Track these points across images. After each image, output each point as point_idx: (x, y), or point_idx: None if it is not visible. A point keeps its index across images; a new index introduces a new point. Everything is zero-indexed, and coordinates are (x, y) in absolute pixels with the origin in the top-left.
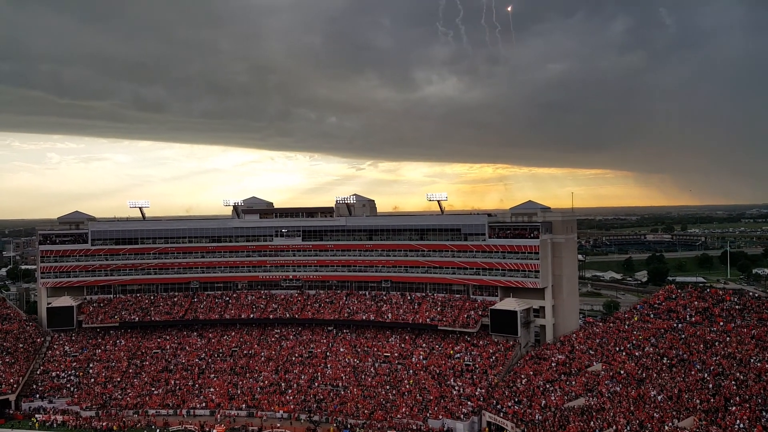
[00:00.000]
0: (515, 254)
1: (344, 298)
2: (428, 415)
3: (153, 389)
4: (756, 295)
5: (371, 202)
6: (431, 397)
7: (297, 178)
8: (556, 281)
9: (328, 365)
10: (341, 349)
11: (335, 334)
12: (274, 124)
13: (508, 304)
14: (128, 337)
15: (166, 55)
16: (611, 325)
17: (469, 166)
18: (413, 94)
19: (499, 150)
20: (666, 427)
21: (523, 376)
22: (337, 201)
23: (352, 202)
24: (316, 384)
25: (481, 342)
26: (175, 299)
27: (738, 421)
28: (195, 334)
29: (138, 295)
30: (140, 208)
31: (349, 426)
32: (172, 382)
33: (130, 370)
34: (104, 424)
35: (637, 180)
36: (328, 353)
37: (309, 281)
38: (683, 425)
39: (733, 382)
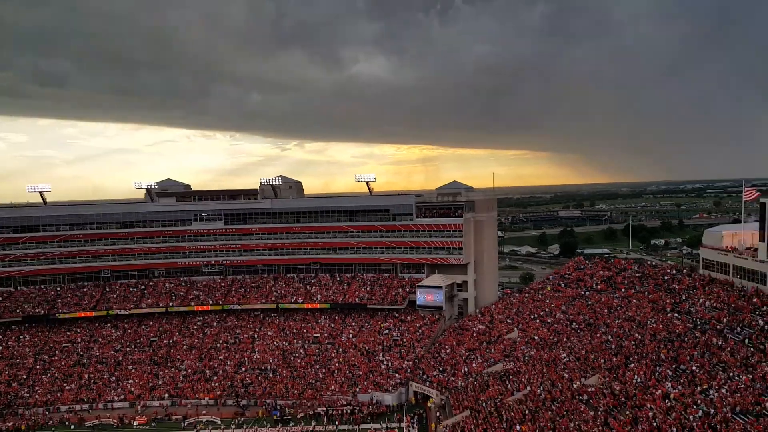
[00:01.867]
0: (441, 233)
1: (272, 281)
2: (357, 389)
3: (65, 385)
4: (653, 263)
5: (298, 184)
6: (360, 373)
7: (217, 158)
8: (478, 257)
9: (256, 350)
10: (269, 333)
11: (262, 319)
12: (191, 102)
13: (434, 280)
14: (33, 332)
15: (70, 24)
16: (526, 295)
17: (397, 147)
18: (341, 74)
19: (426, 131)
20: (574, 385)
21: (447, 346)
22: (261, 183)
23: (278, 183)
24: (243, 369)
25: (408, 317)
26: (85, 290)
27: (636, 376)
28: (109, 325)
29: (42, 286)
30: (40, 192)
31: (278, 407)
32: (86, 376)
33: (38, 366)
34: (10, 424)
35: (553, 160)
36: (255, 337)
37: (233, 266)
38: (590, 383)
39: (632, 343)
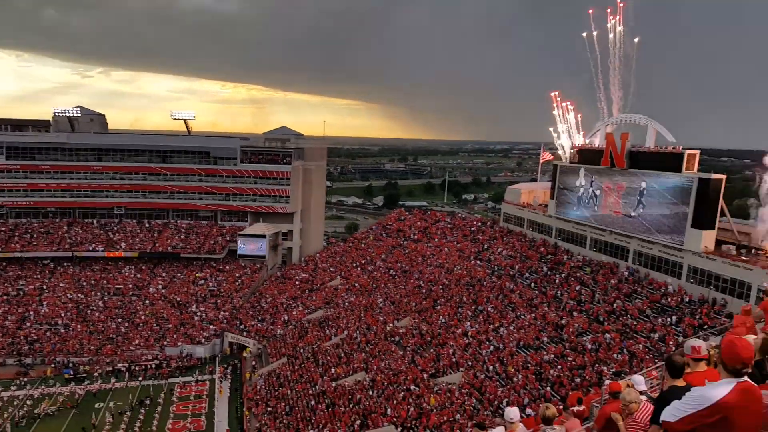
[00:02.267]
0: (267, 180)
1: (65, 227)
2: (165, 343)
3: None
4: (463, 216)
5: (101, 117)
6: (170, 326)
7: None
8: (305, 206)
9: (44, 303)
10: (61, 285)
11: (53, 268)
12: None
13: (258, 228)
14: None
15: None
16: (350, 245)
17: (222, 84)
18: None
19: (255, 70)
20: (388, 328)
21: (268, 296)
22: (55, 113)
23: (76, 115)
24: (28, 324)
25: (228, 267)
26: None
27: (441, 317)
28: None
29: None
30: None
31: (71, 365)
32: None
33: None
34: None
35: (384, 112)
36: (44, 289)
37: (17, 208)
38: (401, 324)
39: (440, 287)
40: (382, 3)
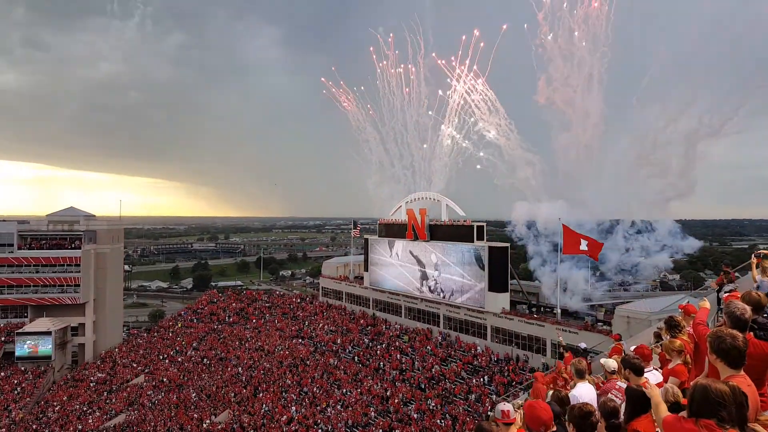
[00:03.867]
0: (52, 267)
1: None
2: None
3: None
4: (281, 293)
5: None
6: None
7: None
8: (99, 294)
9: None
10: None
11: None
12: None
13: (41, 325)
14: None
15: None
16: (155, 334)
17: None
18: None
19: (36, 146)
20: (204, 425)
21: (55, 403)
22: None
23: None
24: None
25: (3, 373)
26: None
27: (264, 405)
28: None
29: None
30: None
31: None
32: None
33: None
34: None
35: (188, 191)
36: None
37: None
38: (219, 419)
39: (261, 372)
40: (191, 80)
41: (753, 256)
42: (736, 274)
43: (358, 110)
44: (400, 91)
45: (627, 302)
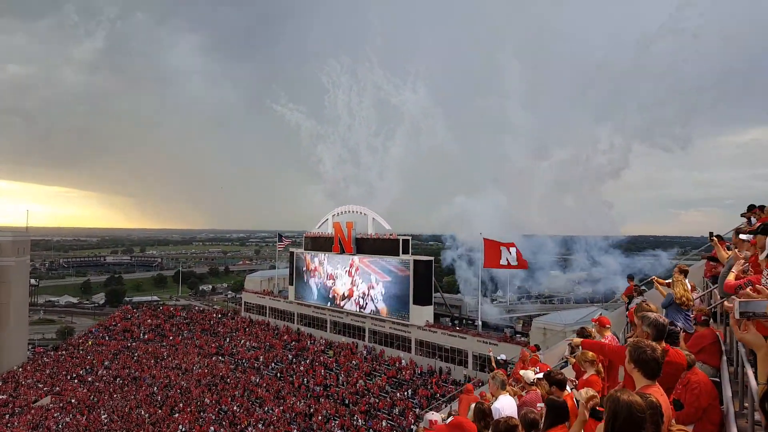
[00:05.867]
0: None
1: None
2: None
3: None
4: (201, 309)
5: None
6: None
7: None
8: (2, 310)
9: None
10: None
11: None
12: None
13: None
14: None
15: None
16: (63, 352)
17: None
18: None
19: None
20: None
21: None
22: None
23: None
24: None
25: None
26: None
27: (180, 426)
28: None
29: None
30: None
31: None
32: None
33: None
34: None
35: (102, 201)
36: None
37: None
38: None
39: (178, 391)
40: (109, 85)
41: (676, 269)
42: (643, 287)
43: (297, 121)
44: (346, 105)
45: (543, 314)
